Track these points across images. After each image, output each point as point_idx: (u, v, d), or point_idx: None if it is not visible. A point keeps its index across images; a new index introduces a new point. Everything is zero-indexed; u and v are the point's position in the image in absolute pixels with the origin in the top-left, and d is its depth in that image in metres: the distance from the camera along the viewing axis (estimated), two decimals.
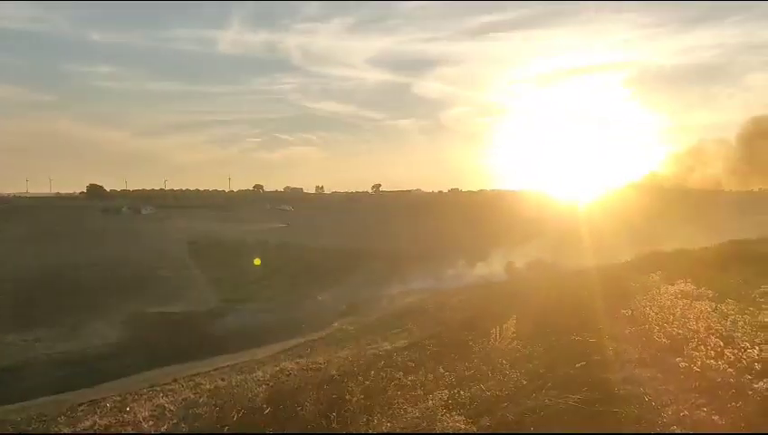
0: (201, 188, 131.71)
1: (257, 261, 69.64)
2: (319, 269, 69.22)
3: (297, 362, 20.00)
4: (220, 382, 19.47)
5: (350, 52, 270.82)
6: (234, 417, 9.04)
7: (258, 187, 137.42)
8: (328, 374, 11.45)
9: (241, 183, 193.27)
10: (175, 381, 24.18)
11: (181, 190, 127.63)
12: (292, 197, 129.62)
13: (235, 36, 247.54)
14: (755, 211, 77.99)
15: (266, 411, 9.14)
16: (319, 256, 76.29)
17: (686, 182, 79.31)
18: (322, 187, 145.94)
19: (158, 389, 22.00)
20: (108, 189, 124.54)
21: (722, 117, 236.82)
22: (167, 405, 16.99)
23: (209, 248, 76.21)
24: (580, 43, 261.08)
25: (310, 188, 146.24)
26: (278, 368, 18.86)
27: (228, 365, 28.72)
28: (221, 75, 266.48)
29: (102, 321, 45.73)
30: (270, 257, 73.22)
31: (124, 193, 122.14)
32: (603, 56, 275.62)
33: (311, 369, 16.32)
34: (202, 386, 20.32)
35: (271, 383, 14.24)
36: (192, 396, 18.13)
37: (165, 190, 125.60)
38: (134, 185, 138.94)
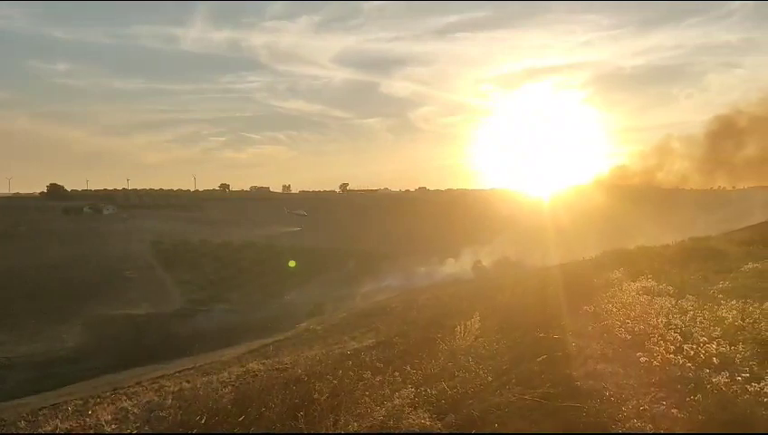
0: (165, 188, 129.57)
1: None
2: (286, 269, 68.92)
3: (263, 363, 19.80)
4: (185, 384, 19.15)
5: (316, 50, 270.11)
6: (198, 419, 8.90)
7: (224, 186, 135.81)
8: (295, 374, 11.36)
9: (206, 183, 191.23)
10: (138, 383, 23.81)
11: (145, 190, 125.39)
12: (259, 196, 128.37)
13: (198, 34, 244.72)
14: (717, 208, 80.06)
15: (232, 413, 9.03)
16: (287, 255, 75.91)
17: (653, 178, 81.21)
18: (289, 186, 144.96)
19: (122, 392, 21.62)
20: (69, 189, 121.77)
21: (680, 117, 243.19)
22: (130, 408, 16.67)
23: (175, 249, 75.22)
24: (544, 44, 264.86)
25: (277, 188, 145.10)
26: (244, 369, 18.67)
27: (194, 367, 28.36)
28: (185, 73, 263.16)
29: (64, 324, 44.85)
30: (236, 257, 72.70)
31: (86, 193, 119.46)
32: (566, 57, 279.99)
33: (277, 369, 16.19)
34: (166, 388, 19.98)
35: (236, 385, 14.10)
36: (156, 399, 17.80)
37: (128, 190, 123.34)
38: (96, 185, 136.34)
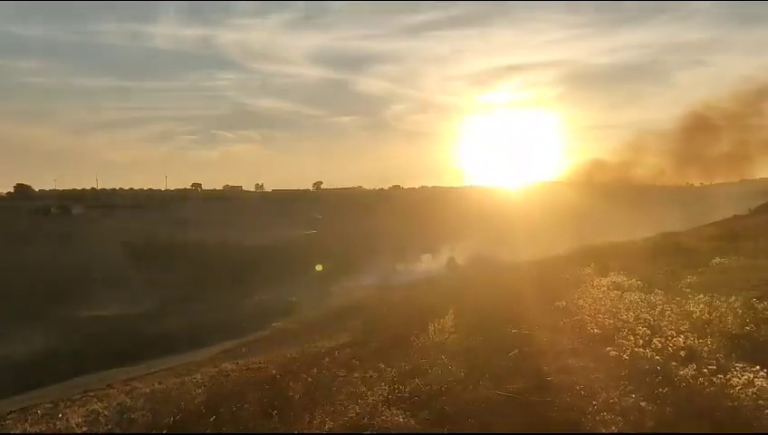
0: (135, 187, 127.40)
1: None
2: (261, 268, 68.44)
3: (237, 363, 19.68)
4: (157, 386, 18.90)
5: (288, 48, 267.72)
6: (169, 421, 8.80)
7: (196, 185, 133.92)
8: (268, 374, 11.30)
9: (177, 181, 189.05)
10: (109, 386, 23.48)
11: (114, 189, 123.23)
12: (232, 195, 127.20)
13: (167, 31, 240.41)
14: (688, 204, 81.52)
15: (204, 414, 8.95)
16: (260, 254, 75.39)
17: (629, 173, 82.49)
18: (262, 184, 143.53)
19: (92, 394, 21.30)
20: (36, 189, 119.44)
21: (648, 115, 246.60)
22: (101, 410, 16.42)
23: (146, 249, 74.19)
24: (514, 42, 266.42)
25: (250, 186, 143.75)
26: (217, 369, 18.52)
27: (166, 368, 28.05)
28: (154, 71, 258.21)
29: (32, 326, 43.96)
30: (210, 257, 71.99)
31: (53, 193, 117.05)
32: (536, 55, 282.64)
33: (251, 369, 16.10)
34: (138, 390, 19.71)
35: (209, 385, 13.98)
36: (127, 401, 17.55)
37: (97, 190, 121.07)
38: (64, 184, 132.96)
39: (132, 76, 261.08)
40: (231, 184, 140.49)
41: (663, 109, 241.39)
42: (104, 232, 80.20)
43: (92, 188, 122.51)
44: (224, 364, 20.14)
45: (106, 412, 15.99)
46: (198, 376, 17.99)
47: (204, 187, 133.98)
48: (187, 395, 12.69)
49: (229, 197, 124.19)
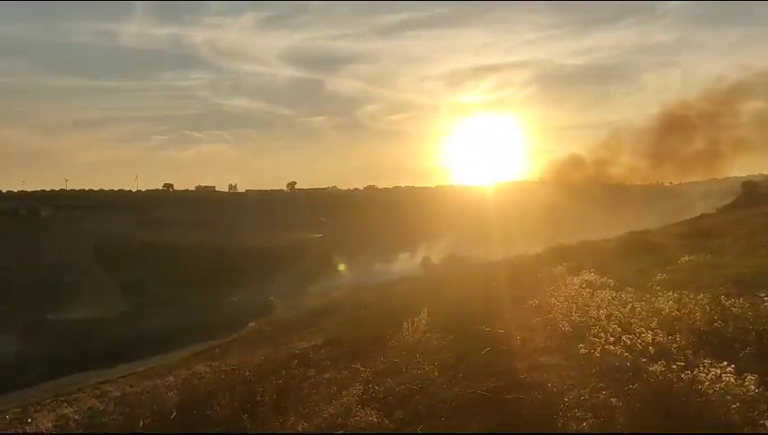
0: (106, 188, 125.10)
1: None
2: (236, 269, 67.92)
3: (210, 365, 19.52)
4: (128, 389, 18.73)
5: (260, 48, 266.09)
6: (141, 424, 8.68)
7: (168, 186, 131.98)
8: (242, 376, 11.21)
9: (149, 182, 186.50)
10: (80, 390, 23.22)
11: (84, 191, 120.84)
12: (204, 196, 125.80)
13: (137, 30, 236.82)
14: (660, 203, 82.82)
15: (176, 417, 8.86)
16: (236, 255, 74.81)
17: (605, 170, 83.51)
18: (236, 185, 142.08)
19: (63, 398, 21.03)
20: (4, 191, 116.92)
21: (618, 115, 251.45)
22: (71, 415, 16.21)
23: (118, 251, 73.11)
24: (487, 43, 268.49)
25: (223, 187, 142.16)
26: (190, 372, 18.38)
27: (138, 371, 27.78)
28: (124, 70, 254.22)
29: (2, 330, 43.09)
30: (183, 259, 71.23)
31: (22, 194, 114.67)
32: (509, 56, 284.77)
33: (224, 371, 15.98)
34: (109, 394, 19.52)
35: (182, 388, 13.83)
36: (98, 405, 17.36)
37: (66, 191, 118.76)
38: (32, 185, 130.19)
39: (103, 75, 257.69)
40: (203, 184, 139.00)
41: (633, 109, 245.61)
42: (74, 234, 78.85)
43: (62, 190, 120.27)
44: (197, 367, 19.97)
45: (76, 417, 15.79)
46: (171, 379, 17.84)
47: (176, 187, 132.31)
48: (159, 398, 12.53)
49: (202, 197, 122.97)
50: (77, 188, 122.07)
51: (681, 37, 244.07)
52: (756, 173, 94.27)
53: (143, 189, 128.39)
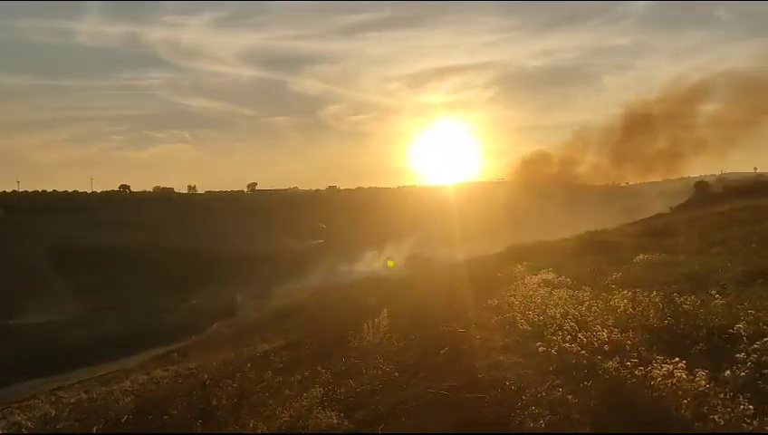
0: (60, 190, 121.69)
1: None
2: (195, 271, 66.96)
3: (168, 369, 19.20)
4: (83, 395, 18.28)
5: (220, 47, 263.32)
6: (95, 429, 8.49)
7: (124, 187, 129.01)
8: (200, 380, 11.05)
9: (105, 183, 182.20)
10: (34, 396, 22.60)
11: (37, 192, 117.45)
12: (162, 197, 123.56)
13: (93, 28, 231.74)
14: (617, 202, 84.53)
15: (131, 422, 8.68)
16: (195, 258, 73.77)
17: (565, 171, 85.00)
18: (195, 186, 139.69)
19: (15, 405, 20.45)
20: None
21: (578, 116, 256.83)
22: (23, 422, 15.76)
23: (72, 254, 71.29)
24: (449, 44, 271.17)
25: (182, 188, 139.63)
26: (148, 376, 18.04)
27: (94, 377, 27.18)
28: (80, 69, 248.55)
29: None
30: (140, 261, 69.90)
31: None
32: (471, 57, 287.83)
33: (182, 375, 15.73)
34: (63, 400, 19.01)
35: (139, 393, 13.58)
36: (52, 411, 16.89)
37: (18, 192, 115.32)
38: None
39: (57, 74, 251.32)
40: (162, 185, 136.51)
41: (592, 111, 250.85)
42: (27, 236, 76.60)
43: (14, 191, 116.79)
44: (155, 371, 19.62)
45: (29, 424, 15.37)
46: (128, 384, 17.49)
47: (133, 188, 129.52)
48: (114, 404, 12.27)
49: (160, 199, 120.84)
50: (30, 189, 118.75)
51: (639, 40, 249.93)
52: (708, 174, 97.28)
53: (98, 190, 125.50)
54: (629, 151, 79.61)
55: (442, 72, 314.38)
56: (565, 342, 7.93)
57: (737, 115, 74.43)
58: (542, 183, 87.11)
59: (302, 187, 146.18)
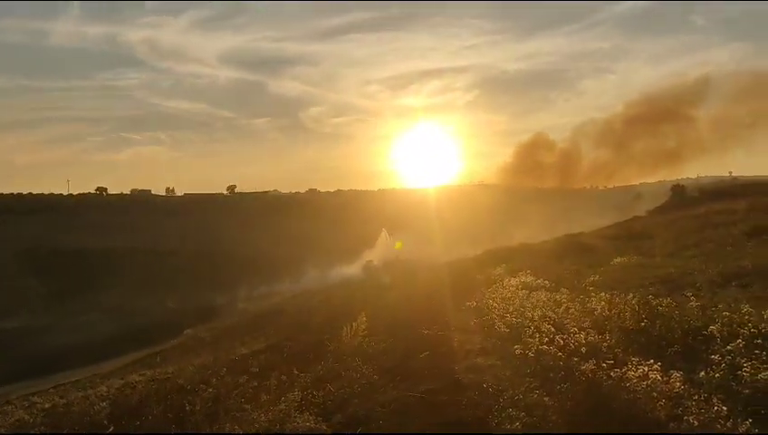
0: (36, 192, 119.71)
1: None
2: (173, 274, 66.36)
3: (145, 374, 18.99)
4: (58, 400, 18.00)
5: (200, 48, 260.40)
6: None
7: (101, 189, 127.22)
8: (176, 384, 10.93)
9: (82, 185, 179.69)
10: (8, 402, 22.25)
11: (12, 194, 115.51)
12: (140, 199, 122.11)
13: (71, 28, 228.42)
14: (595, 205, 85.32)
15: (107, 428, 8.56)
16: (173, 260, 73.10)
17: (568, 161, 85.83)
18: (173, 188, 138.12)
19: None
20: None
21: (559, 120, 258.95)
22: None
23: (48, 257, 70.26)
24: (430, 47, 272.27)
25: (159, 190, 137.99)
26: (123, 381, 17.83)
27: (70, 382, 26.84)
28: (56, 69, 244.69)
29: None
30: (117, 264, 69.06)
31: None
32: (452, 60, 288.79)
33: (158, 380, 15.54)
34: (38, 405, 18.72)
35: (114, 398, 13.39)
36: (26, 417, 16.61)
37: None
38: None
39: (34, 75, 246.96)
40: (139, 188, 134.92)
41: (572, 114, 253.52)
42: (2, 240, 75.42)
43: None
44: (131, 376, 19.40)
45: (2, 430, 15.09)
46: (103, 389, 17.27)
47: (110, 191, 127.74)
48: (90, 409, 12.09)
49: (137, 201, 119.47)
50: (5, 191, 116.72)
51: (618, 44, 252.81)
52: (684, 177, 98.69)
53: (74, 193, 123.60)
54: (630, 150, 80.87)
55: (423, 75, 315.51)
56: (543, 344, 7.97)
57: (726, 118, 75.94)
58: (537, 173, 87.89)
59: (283, 189, 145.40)
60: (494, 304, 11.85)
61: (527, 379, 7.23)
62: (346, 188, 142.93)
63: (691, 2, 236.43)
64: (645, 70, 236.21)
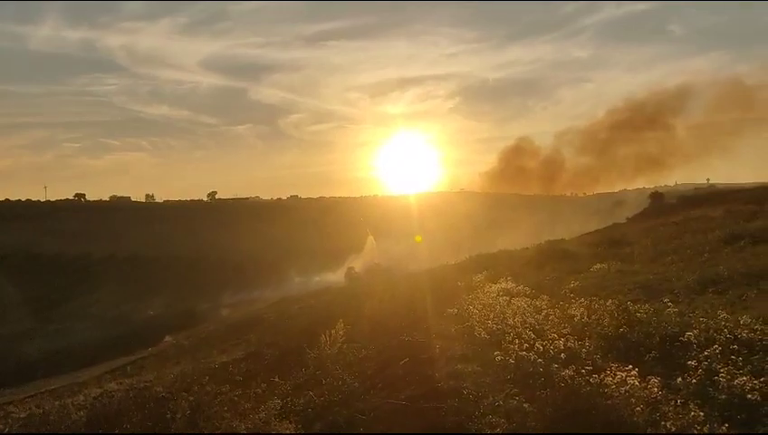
0: (12, 198, 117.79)
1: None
2: (153, 282, 65.74)
3: (123, 382, 18.73)
4: (35, 410, 17.58)
5: (181, 54, 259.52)
6: None
7: (79, 196, 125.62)
8: (155, 393, 10.78)
9: (60, 192, 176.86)
10: None
11: None
12: (119, 206, 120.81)
13: (49, 33, 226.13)
14: (575, 211, 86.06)
15: None
16: (152, 267, 72.44)
17: (551, 167, 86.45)
18: (153, 195, 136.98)
19: None
20: None
21: (536, 127, 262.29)
22: None
23: (25, 264, 69.26)
24: (411, 55, 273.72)
25: (139, 197, 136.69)
26: (101, 390, 17.51)
27: (47, 390, 26.40)
28: (35, 74, 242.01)
29: None
30: (96, 271, 68.30)
31: None
32: (432, 68, 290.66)
33: (136, 389, 15.31)
34: (13, 415, 18.29)
35: (91, 407, 13.17)
36: (1, 427, 16.31)
37: None
38: None
39: (12, 80, 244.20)
40: (118, 194, 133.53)
41: (549, 123, 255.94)
42: None
43: None
44: (109, 384, 19.11)
45: None
46: (81, 398, 16.95)
47: (88, 197, 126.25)
48: (66, 419, 11.91)
49: (116, 208, 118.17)
50: None
51: (595, 54, 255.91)
52: (663, 184, 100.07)
53: (52, 199, 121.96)
54: (610, 157, 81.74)
55: (404, 83, 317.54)
56: (523, 350, 8.01)
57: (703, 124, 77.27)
58: (521, 177, 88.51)
59: (264, 196, 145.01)
60: (475, 311, 11.89)
61: (507, 385, 7.27)
62: (327, 195, 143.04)
63: (668, 12, 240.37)
64: (622, 79, 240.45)
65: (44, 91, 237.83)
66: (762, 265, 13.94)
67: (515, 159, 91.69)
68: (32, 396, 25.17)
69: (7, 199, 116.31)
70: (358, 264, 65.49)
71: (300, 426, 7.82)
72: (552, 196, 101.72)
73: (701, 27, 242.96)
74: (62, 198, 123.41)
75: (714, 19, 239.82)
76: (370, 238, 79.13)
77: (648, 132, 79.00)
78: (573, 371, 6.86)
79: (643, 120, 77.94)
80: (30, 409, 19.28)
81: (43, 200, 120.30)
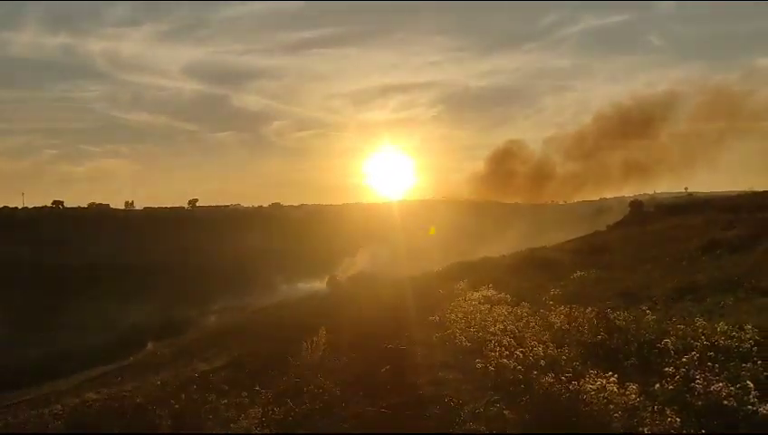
0: None
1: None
2: (133, 289, 65.10)
3: (101, 392, 18.53)
4: (11, 420, 17.43)
5: (162, 60, 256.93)
6: None
7: (57, 203, 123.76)
8: (134, 402, 10.70)
9: (37, 198, 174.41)
10: None
11: None
12: (98, 213, 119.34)
13: (29, 39, 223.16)
14: (555, 219, 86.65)
15: None
16: (131, 276, 71.74)
17: (542, 171, 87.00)
18: (132, 202, 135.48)
19: None
20: None
21: (519, 135, 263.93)
22: None
23: (2, 273, 68.22)
24: (394, 63, 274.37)
25: (119, 204, 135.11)
26: (79, 400, 17.32)
27: (24, 400, 26.06)
28: (12, 80, 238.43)
29: None
30: (74, 279, 67.47)
31: None
32: (415, 76, 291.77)
33: (115, 398, 15.17)
34: None
35: (69, 417, 13.02)
36: None
37: None
38: None
39: None
40: (98, 202, 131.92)
41: (533, 130, 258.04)
42: None
43: None
44: (87, 394, 18.89)
45: None
46: (58, 407, 16.73)
47: (67, 204, 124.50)
48: (43, 429, 11.78)
49: (95, 215, 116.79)
50: None
51: (577, 63, 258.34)
52: (642, 192, 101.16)
53: (29, 206, 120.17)
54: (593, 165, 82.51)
55: (387, 90, 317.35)
56: (503, 357, 8.05)
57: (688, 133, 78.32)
58: (508, 182, 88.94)
59: (245, 203, 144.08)
60: (456, 319, 11.94)
61: (488, 392, 7.30)
62: (310, 203, 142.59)
63: (647, 23, 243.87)
64: (603, 87, 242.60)
65: (22, 96, 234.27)
66: (739, 273, 14.16)
67: (505, 163, 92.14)
68: (8, 406, 24.81)
69: None
70: (346, 272, 65.40)
71: None
72: (536, 203, 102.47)
73: (679, 38, 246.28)
74: (40, 205, 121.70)
75: (692, 31, 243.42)
76: (361, 249, 78.99)
77: (634, 140, 79.99)
78: (553, 377, 6.90)
79: (631, 127, 78.95)
80: (5, 419, 19.03)
81: (20, 207, 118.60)
